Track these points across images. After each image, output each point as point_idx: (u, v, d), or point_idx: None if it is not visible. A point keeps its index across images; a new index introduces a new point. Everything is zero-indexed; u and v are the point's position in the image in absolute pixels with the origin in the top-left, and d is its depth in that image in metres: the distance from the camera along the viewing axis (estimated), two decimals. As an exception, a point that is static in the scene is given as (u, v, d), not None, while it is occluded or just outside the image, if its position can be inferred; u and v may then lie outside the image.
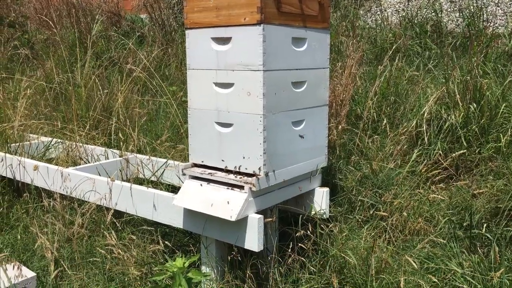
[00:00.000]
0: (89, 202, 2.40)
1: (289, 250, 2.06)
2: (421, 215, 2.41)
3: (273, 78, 1.92)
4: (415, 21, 4.37)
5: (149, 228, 2.36)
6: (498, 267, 1.94)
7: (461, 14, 4.31)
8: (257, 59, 1.86)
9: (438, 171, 2.62)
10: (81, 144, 3.18)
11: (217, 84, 2.01)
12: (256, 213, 1.95)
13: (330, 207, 2.40)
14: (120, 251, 2.15)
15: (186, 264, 1.85)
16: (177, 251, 2.29)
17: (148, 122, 3.73)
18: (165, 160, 2.79)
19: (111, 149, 3.11)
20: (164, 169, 2.75)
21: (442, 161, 2.66)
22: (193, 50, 2.07)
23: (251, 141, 1.93)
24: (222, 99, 1.99)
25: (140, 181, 2.79)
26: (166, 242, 2.22)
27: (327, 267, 2.07)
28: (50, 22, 5.41)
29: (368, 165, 2.66)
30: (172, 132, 3.41)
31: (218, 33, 1.97)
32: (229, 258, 2.05)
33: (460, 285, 1.93)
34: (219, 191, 1.98)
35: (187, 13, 2.06)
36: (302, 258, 2.08)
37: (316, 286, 2.02)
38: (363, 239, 2.23)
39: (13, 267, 1.97)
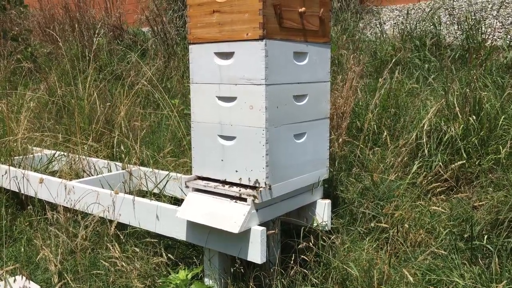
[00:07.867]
0: (92, 215, 2.42)
1: (292, 262, 2.07)
2: (422, 226, 2.42)
3: (275, 92, 1.95)
4: (414, 34, 4.42)
5: (152, 240, 2.37)
6: (499, 279, 1.95)
7: (459, 27, 4.36)
8: (260, 74, 1.89)
9: (438, 183, 2.64)
10: (84, 157, 3.20)
11: (220, 98, 2.04)
12: (258, 225, 1.97)
13: (331, 219, 2.42)
14: (123, 263, 2.17)
15: (189, 276, 1.87)
16: (180, 263, 2.30)
17: (151, 134, 3.76)
18: (167, 172, 2.81)
19: (114, 162, 3.13)
20: (167, 182, 2.77)
21: (443, 173, 2.67)
22: (196, 64, 2.11)
23: (253, 153, 1.95)
24: (225, 112, 2.02)
25: (143, 194, 2.81)
26: (169, 254, 2.23)
27: (330, 279, 2.09)
28: (55, 35, 5.47)
29: (369, 177, 2.68)
30: (175, 144, 3.43)
31: (221, 48, 2.00)
32: (232, 270, 2.07)
33: (462, 296, 1.94)
34: (222, 203, 2.00)
35: (191, 29, 2.10)
36: (305, 270, 2.09)
37: (318, 298, 2.03)
38: (365, 251, 2.25)
39: (22, 277, 1.99)
